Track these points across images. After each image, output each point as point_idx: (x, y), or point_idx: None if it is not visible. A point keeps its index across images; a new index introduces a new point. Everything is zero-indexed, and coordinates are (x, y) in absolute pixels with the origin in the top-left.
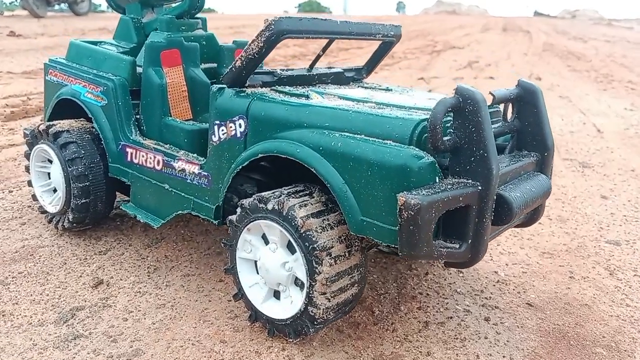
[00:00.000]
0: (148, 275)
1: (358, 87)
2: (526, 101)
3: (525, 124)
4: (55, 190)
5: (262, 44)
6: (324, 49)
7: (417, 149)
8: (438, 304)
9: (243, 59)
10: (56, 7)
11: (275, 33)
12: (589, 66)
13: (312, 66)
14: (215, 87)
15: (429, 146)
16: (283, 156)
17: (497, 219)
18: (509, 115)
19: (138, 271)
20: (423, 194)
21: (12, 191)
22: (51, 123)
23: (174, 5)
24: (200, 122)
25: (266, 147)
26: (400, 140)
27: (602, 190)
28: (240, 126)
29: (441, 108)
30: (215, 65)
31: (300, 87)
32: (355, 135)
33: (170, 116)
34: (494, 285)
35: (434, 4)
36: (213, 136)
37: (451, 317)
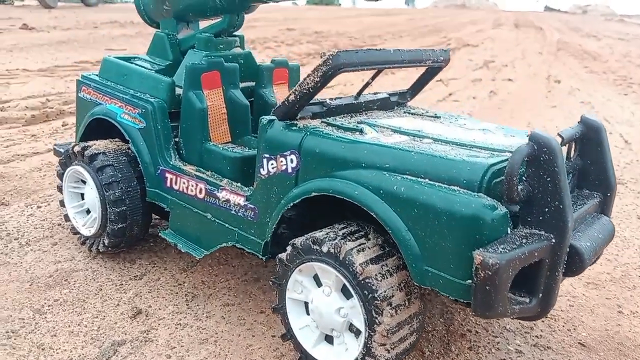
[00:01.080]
0: (187, 305)
1: (405, 113)
2: (590, 138)
3: (588, 162)
4: (88, 211)
5: (318, 79)
6: (373, 77)
7: (487, 197)
8: (489, 343)
9: (297, 93)
10: None
11: (332, 68)
12: (605, 67)
13: (359, 94)
14: (265, 119)
15: (504, 198)
16: (335, 195)
17: (568, 270)
18: (572, 153)
19: (176, 299)
20: (500, 252)
21: (40, 207)
22: (86, 144)
23: (211, 22)
24: (240, 145)
25: (320, 186)
26: (468, 186)
27: (639, 210)
28: (291, 162)
29: (518, 158)
30: (253, 84)
31: (351, 118)
32: (419, 179)
33: (210, 140)
34: (543, 322)
35: None
36: (262, 169)
37: (504, 359)
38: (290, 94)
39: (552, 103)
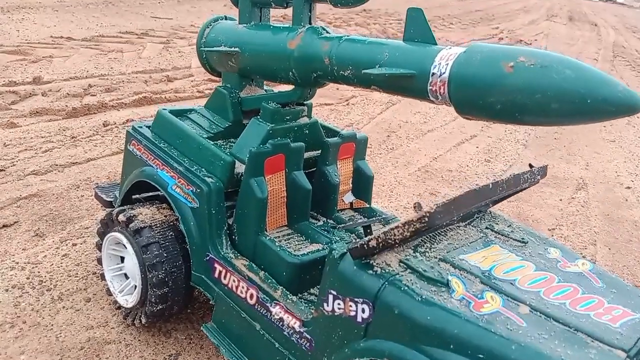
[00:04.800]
0: None
1: (487, 233)
2: None
3: None
4: (126, 276)
5: (409, 234)
6: (467, 218)
7: None
8: None
9: (381, 241)
10: None
11: (428, 226)
12: None
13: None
14: (336, 253)
15: None
16: None
17: None
18: None
19: None
20: None
21: (75, 244)
22: (132, 214)
23: (280, 91)
24: (296, 235)
25: (400, 357)
26: None
27: None
28: (363, 312)
29: None
30: (317, 154)
31: (430, 247)
32: None
33: (267, 229)
34: None
35: None
36: (325, 304)
37: None
38: (372, 239)
39: (610, 136)
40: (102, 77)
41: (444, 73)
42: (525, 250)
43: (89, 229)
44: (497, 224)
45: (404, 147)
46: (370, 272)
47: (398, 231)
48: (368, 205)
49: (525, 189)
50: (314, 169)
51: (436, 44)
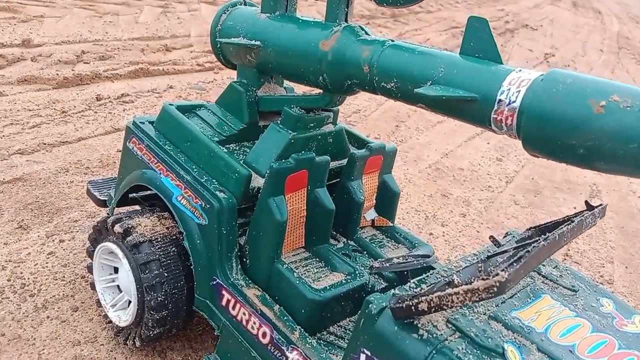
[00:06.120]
0: None
1: (537, 280)
2: None
3: None
4: (119, 288)
5: (467, 302)
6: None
7: None
8: None
9: (433, 305)
10: None
11: (493, 296)
12: None
13: (490, 257)
14: (374, 307)
15: None
16: None
17: None
18: None
19: None
20: None
21: (63, 240)
22: (129, 225)
23: (305, 94)
24: (315, 260)
25: None
26: None
27: None
28: None
29: None
30: (340, 164)
31: (480, 308)
32: None
33: (282, 252)
34: None
35: None
36: None
37: None
38: (421, 301)
39: None
40: (96, 42)
41: (513, 102)
42: (577, 301)
43: (78, 222)
44: (542, 265)
45: (413, 139)
46: (415, 335)
47: (458, 298)
48: (391, 224)
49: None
50: (336, 180)
51: (502, 62)
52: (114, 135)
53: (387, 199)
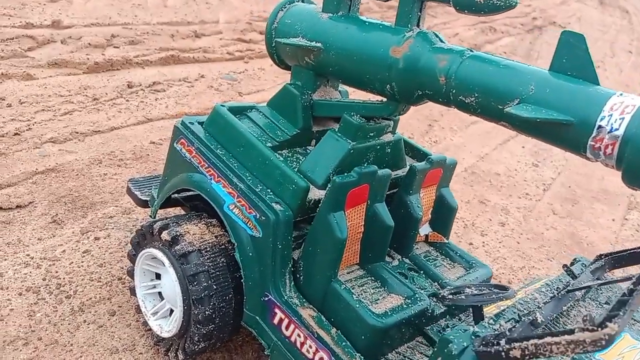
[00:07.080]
0: None
1: (606, 303)
2: None
3: None
4: (161, 295)
5: (568, 353)
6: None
7: None
8: None
9: (527, 352)
10: None
11: (599, 350)
12: None
13: (570, 292)
14: (454, 347)
15: None
16: None
17: None
18: None
19: None
20: None
21: (98, 238)
22: (177, 232)
23: (366, 101)
24: (374, 283)
25: None
26: None
27: None
28: None
29: None
30: (396, 175)
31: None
32: None
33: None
34: None
35: None
36: None
37: None
38: (514, 347)
39: None
40: (125, 25)
41: (616, 129)
42: None
43: (113, 218)
44: (615, 294)
45: (447, 140)
46: None
47: (558, 348)
48: (446, 241)
49: None
50: (393, 190)
51: (598, 83)
52: (146, 126)
53: (443, 214)
